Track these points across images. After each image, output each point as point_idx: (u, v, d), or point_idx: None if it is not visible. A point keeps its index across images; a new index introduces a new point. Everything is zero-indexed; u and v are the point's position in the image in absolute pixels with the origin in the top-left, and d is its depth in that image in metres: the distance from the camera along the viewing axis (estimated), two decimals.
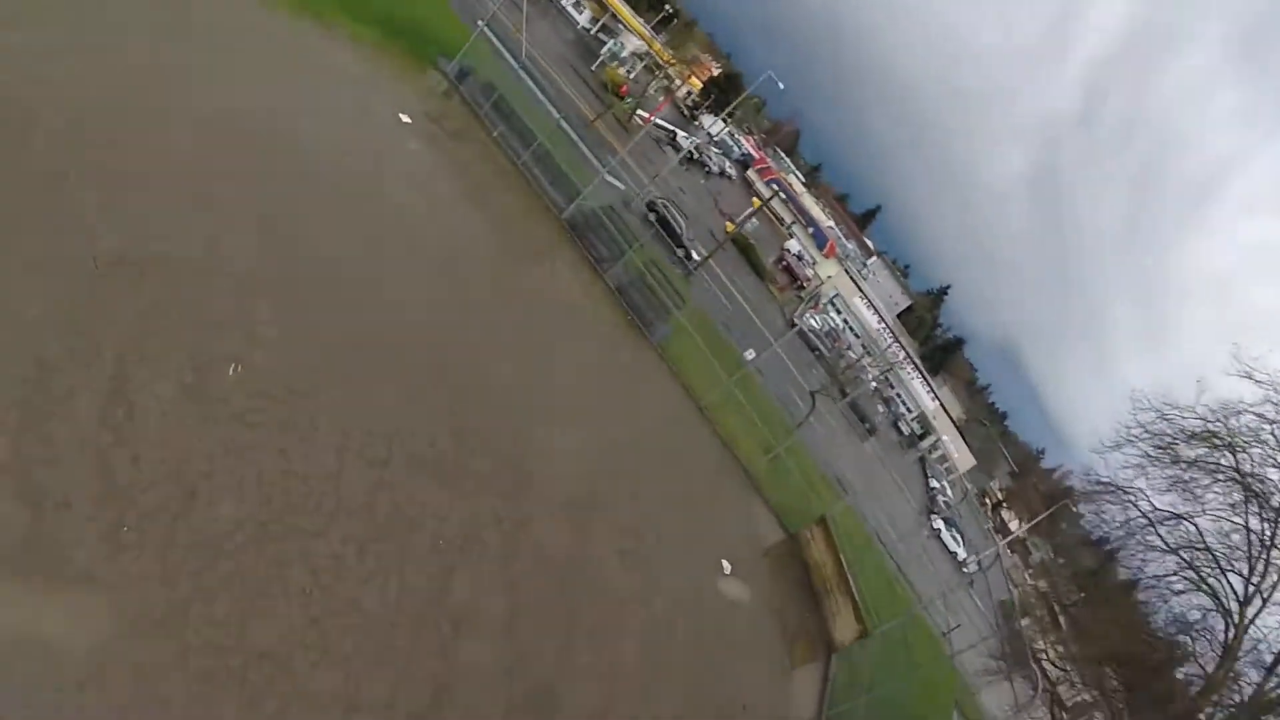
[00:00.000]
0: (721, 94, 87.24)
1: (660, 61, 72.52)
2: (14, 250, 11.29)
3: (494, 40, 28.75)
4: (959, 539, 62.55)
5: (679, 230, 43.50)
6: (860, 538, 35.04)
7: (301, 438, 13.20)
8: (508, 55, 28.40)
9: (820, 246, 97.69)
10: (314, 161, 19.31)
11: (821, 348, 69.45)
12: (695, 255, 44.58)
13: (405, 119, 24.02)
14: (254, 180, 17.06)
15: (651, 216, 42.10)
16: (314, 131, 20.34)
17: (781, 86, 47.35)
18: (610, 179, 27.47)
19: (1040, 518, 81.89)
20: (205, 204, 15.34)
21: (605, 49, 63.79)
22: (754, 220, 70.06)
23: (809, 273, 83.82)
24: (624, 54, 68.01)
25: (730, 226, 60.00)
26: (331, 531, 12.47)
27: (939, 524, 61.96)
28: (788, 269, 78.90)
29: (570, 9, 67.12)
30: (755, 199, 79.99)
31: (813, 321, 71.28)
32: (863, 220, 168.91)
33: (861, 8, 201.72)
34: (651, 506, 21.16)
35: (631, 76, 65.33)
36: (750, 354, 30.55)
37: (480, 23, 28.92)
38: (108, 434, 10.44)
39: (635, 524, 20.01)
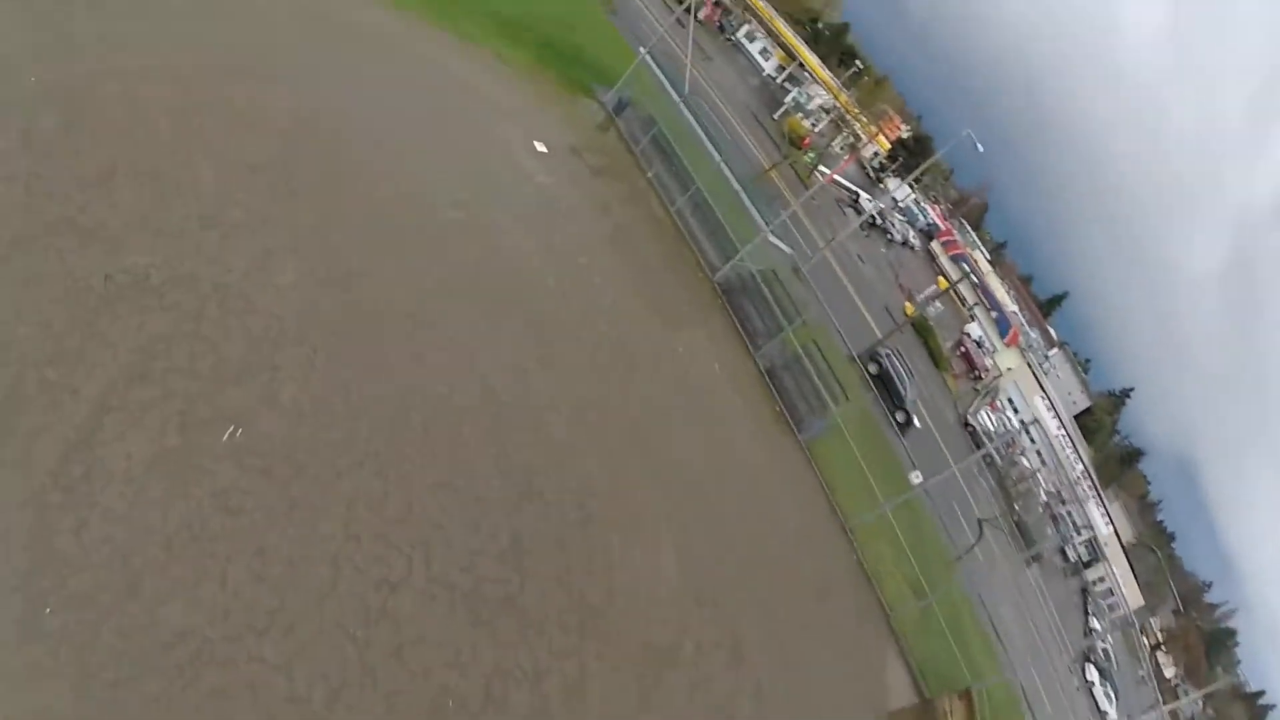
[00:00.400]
0: (910, 157, 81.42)
1: (847, 116, 68.03)
2: (22, 253, 9.71)
3: (656, 71, 25.66)
4: (1113, 696, 52.68)
5: (902, 389, 37.21)
6: (1007, 710, 28.34)
7: (293, 536, 10.03)
8: (670, 89, 25.11)
9: (1003, 334, 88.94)
10: (414, 184, 16.71)
11: (994, 453, 61.43)
12: (916, 422, 38.09)
13: (540, 148, 21.08)
14: (335, 199, 14.65)
15: (872, 368, 36.63)
16: (427, 152, 17.88)
17: (981, 148, 41.71)
18: (775, 240, 23.37)
19: (1210, 689, 69.65)
20: (263, 222, 13.00)
21: (789, 98, 60.29)
22: (936, 303, 63.61)
23: (988, 362, 75.57)
24: (809, 105, 64.32)
25: (910, 308, 54.03)
26: (297, 667, 9.18)
27: (1093, 675, 52.43)
28: (966, 356, 71.31)
29: (756, 55, 64.32)
30: (941, 278, 73.27)
31: (987, 421, 63.55)
32: (1047, 306, 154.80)
33: (1063, 76, 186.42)
34: (757, 659, 16.33)
35: (815, 129, 61.38)
36: (917, 477, 25.20)
37: (642, 50, 25.94)
38: (58, 492, 8.46)
39: (729, 684, 15.25)
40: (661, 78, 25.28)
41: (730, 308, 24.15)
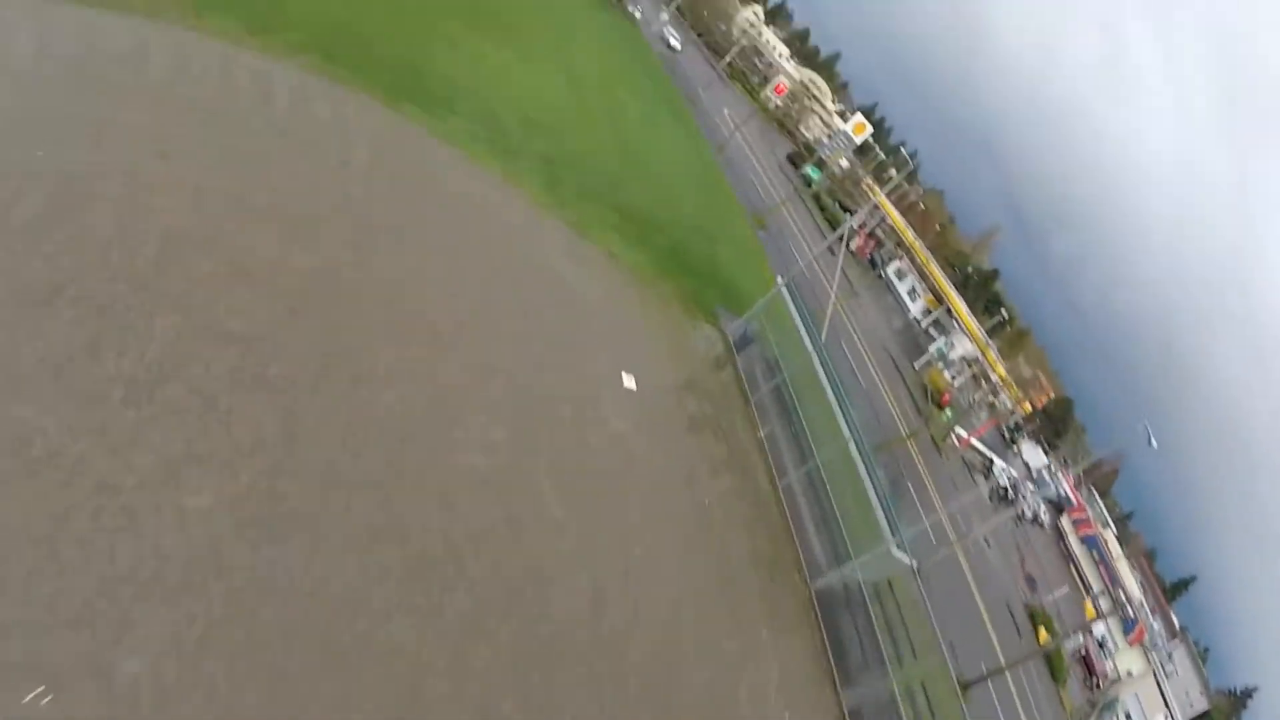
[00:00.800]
0: (1048, 418, 74.45)
1: (990, 374, 62.42)
2: None
3: (792, 308, 21.25)
4: None
5: None
6: None
7: None
8: (805, 334, 20.58)
9: (1127, 630, 77.30)
10: (437, 403, 12.58)
11: None
12: None
13: (629, 383, 16.64)
14: (318, 400, 10.93)
15: None
16: (471, 361, 13.73)
17: (1155, 444, 34.96)
18: (899, 553, 17.54)
19: None
20: (204, 413, 9.57)
21: (934, 347, 55.86)
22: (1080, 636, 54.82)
23: (1109, 666, 64.51)
24: (952, 355, 59.43)
25: (1044, 636, 45.95)
26: None
27: None
28: (1086, 659, 60.98)
29: (904, 295, 60.73)
30: (1088, 606, 64.51)
31: None
32: (1172, 591, 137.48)
33: (1201, 333, 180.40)
34: None
35: (956, 384, 56.10)
36: None
37: (780, 280, 21.89)
38: None
39: None
40: (797, 317, 20.84)
41: (823, 628, 18.21)
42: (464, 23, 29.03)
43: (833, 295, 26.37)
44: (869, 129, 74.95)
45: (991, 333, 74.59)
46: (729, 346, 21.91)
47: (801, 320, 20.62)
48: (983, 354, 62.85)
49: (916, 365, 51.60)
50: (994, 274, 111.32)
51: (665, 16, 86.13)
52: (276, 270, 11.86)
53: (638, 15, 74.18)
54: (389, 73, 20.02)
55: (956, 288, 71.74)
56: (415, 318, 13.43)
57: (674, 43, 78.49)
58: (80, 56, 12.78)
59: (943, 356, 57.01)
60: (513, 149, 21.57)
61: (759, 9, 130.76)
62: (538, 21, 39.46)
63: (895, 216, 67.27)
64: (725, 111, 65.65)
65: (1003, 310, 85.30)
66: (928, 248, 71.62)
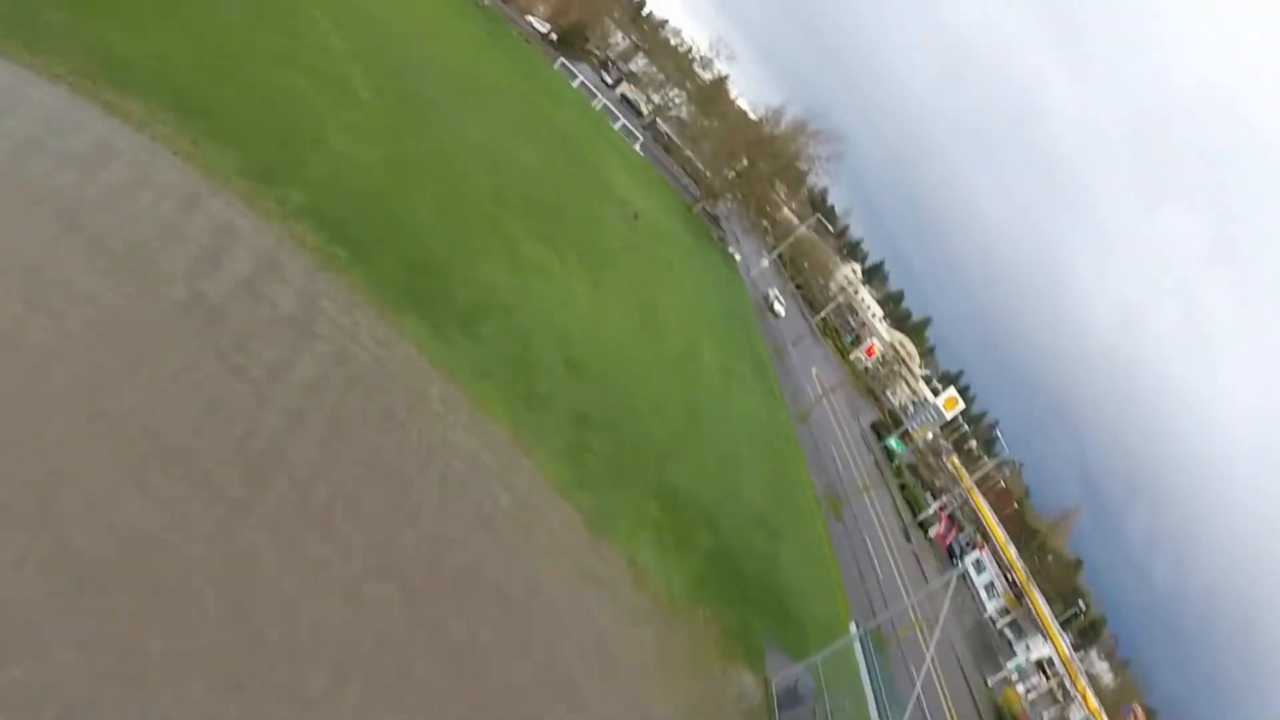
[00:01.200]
0: None
1: (1071, 687, 55.60)
2: None
3: (865, 673, 17.04)
4: None
5: None
6: None
7: None
8: (873, 702, 16.59)
9: None
10: None
11: None
12: None
13: None
14: None
15: None
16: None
17: None
18: None
19: None
20: None
21: (1012, 664, 50.41)
22: None
23: None
24: (1026, 661, 53.58)
25: None
26: None
27: None
28: None
29: (981, 590, 55.61)
30: None
31: None
32: None
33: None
34: None
35: (1030, 698, 49.89)
36: None
37: (854, 627, 18.71)
38: None
39: None
40: (870, 688, 16.60)
41: None
42: (533, 226, 25.79)
43: (928, 656, 21.93)
44: (960, 405, 72.97)
45: (1065, 624, 68.44)
46: (770, 705, 17.17)
47: (874, 692, 16.57)
48: (1066, 667, 56.45)
49: (990, 682, 46.05)
50: (1077, 564, 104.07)
51: (765, 263, 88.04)
52: (91, 516, 7.81)
53: (737, 257, 75.09)
54: (405, 268, 16.64)
55: (1033, 576, 66.65)
56: (267, 648, 8.34)
57: (779, 308, 76.50)
58: (23, 144, 10.88)
59: (1019, 669, 51.27)
60: (538, 397, 17.64)
61: (858, 267, 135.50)
62: (623, 242, 36.39)
63: (983, 507, 63.99)
64: (813, 371, 63.33)
65: (1080, 601, 78.72)
66: (1002, 524, 67.43)
